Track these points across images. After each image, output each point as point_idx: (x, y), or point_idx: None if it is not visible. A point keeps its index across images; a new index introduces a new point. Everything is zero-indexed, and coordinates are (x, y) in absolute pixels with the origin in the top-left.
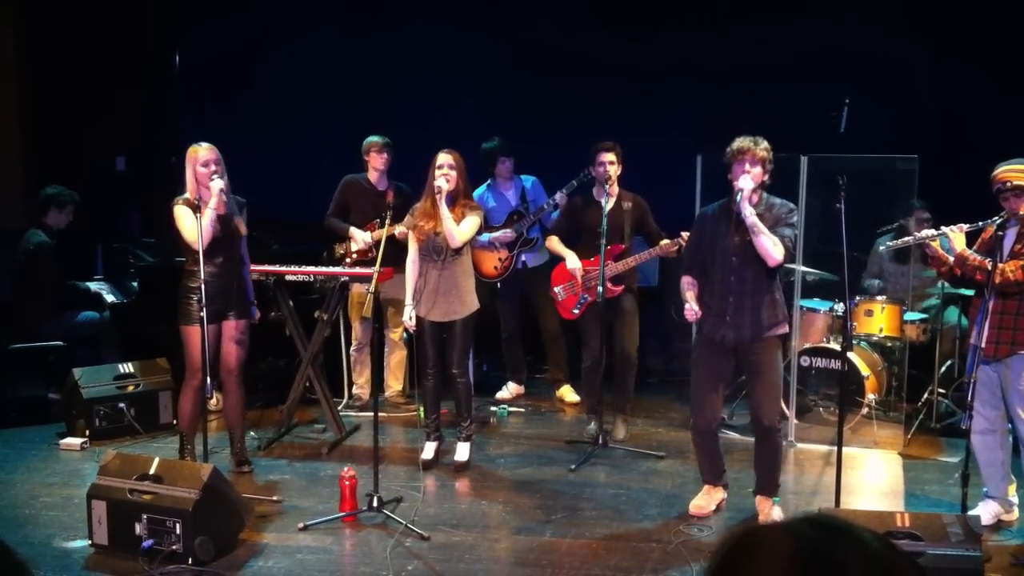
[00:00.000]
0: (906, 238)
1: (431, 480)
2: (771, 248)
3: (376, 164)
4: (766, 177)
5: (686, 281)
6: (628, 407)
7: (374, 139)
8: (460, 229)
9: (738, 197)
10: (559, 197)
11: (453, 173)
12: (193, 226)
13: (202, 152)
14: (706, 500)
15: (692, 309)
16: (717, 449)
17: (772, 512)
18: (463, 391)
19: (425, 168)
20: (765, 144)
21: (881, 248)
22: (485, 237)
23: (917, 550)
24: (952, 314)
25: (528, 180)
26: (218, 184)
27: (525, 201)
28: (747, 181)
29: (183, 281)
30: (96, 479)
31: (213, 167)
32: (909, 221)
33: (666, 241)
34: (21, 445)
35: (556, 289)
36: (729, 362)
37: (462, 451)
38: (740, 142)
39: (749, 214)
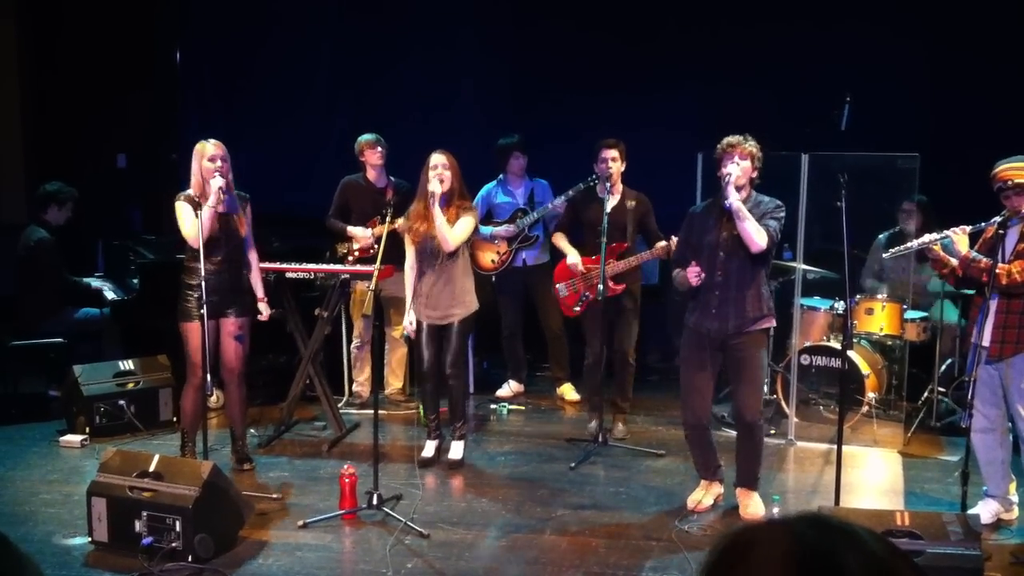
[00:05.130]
0: (909, 244)
1: (431, 478)
2: (755, 234)
3: (372, 160)
4: (755, 174)
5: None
6: (626, 406)
7: (366, 137)
8: (453, 232)
9: (724, 182)
10: (559, 202)
11: (447, 174)
12: (193, 223)
13: (209, 147)
14: (702, 495)
15: (693, 269)
16: (710, 444)
17: (754, 504)
18: (455, 392)
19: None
20: (754, 142)
21: (884, 255)
22: (487, 231)
23: (917, 548)
24: (952, 313)
25: (541, 183)
26: (217, 182)
27: (532, 203)
28: (734, 168)
29: (182, 278)
30: (96, 476)
31: (219, 163)
32: (900, 215)
33: (661, 243)
34: (21, 442)
35: (558, 286)
36: (716, 357)
37: (455, 450)
38: (729, 138)
39: (734, 200)
